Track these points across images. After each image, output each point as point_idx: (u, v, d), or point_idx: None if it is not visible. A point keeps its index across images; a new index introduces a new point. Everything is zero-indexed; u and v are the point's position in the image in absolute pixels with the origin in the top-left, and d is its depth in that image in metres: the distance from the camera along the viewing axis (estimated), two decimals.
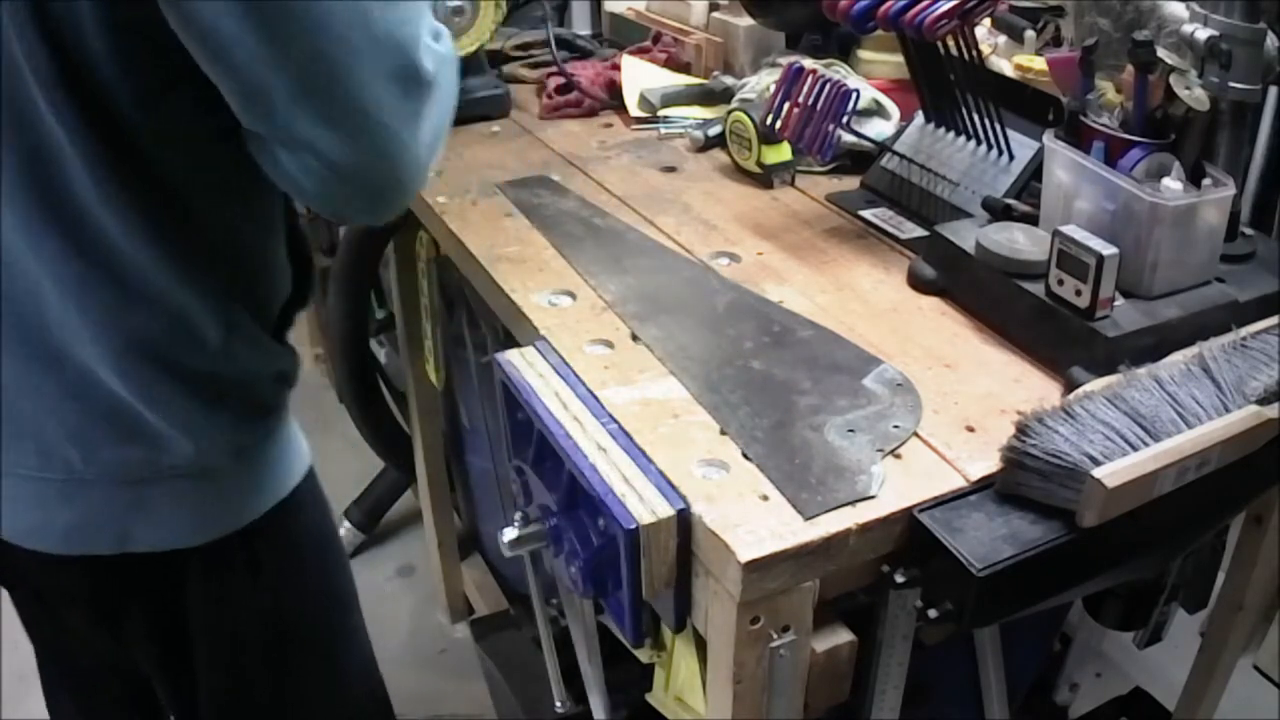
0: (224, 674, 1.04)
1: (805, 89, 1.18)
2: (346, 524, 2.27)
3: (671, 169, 1.38)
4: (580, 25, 2.00)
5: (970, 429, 0.87)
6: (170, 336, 0.83)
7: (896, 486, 0.80)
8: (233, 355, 0.87)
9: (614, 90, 1.57)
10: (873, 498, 0.78)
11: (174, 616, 0.99)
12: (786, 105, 1.20)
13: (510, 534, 0.93)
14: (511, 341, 1.07)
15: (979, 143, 1.20)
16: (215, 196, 0.82)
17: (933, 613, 0.77)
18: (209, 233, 0.83)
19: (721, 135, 1.38)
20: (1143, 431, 0.78)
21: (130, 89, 0.74)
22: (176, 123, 0.77)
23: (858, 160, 1.34)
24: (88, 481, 0.86)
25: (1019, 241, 0.99)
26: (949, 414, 0.89)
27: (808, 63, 1.22)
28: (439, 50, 0.76)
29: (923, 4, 1.06)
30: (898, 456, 0.83)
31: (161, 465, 0.87)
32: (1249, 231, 1.05)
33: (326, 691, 1.12)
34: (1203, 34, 0.93)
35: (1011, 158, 1.17)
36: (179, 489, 0.89)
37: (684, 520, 0.77)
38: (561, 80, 1.57)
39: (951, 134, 1.23)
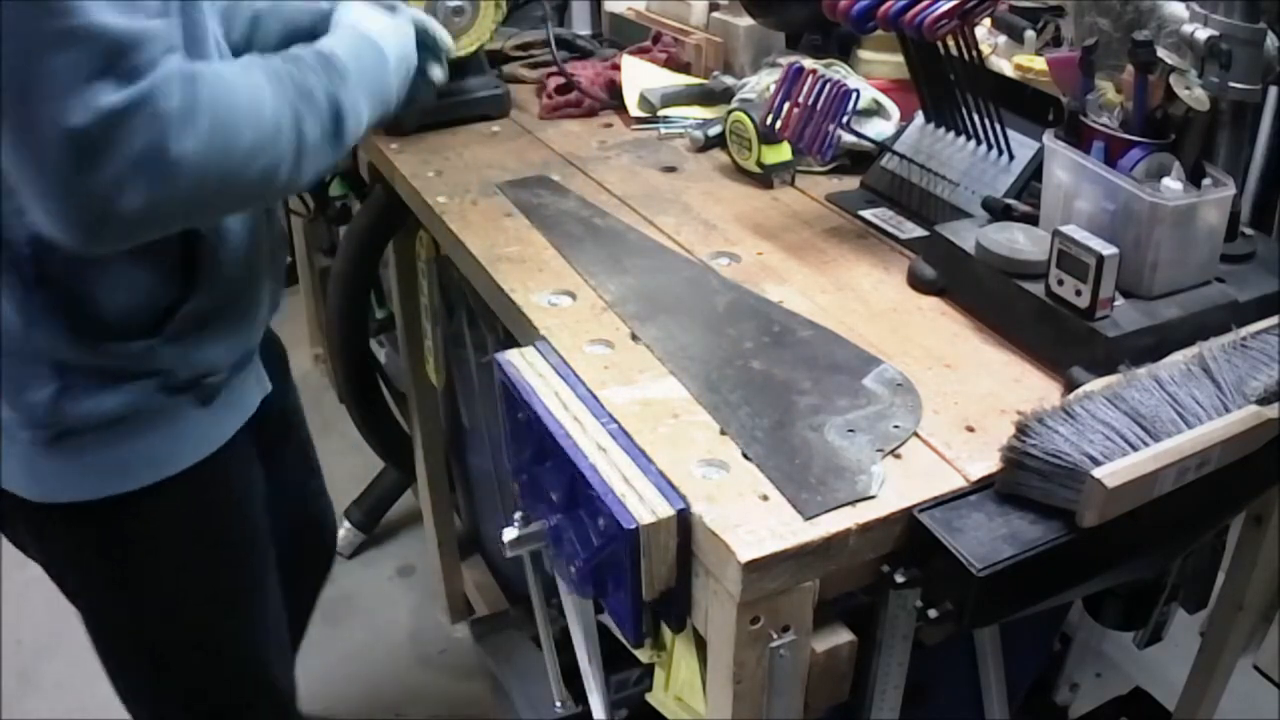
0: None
1: (805, 89, 1.18)
2: (346, 524, 2.27)
3: (671, 169, 1.38)
4: (580, 25, 2.00)
5: (970, 429, 0.87)
6: None
7: (896, 486, 0.80)
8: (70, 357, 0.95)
9: (614, 90, 1.57)
10: (873, 498, 0.78)
11: (54, 565, 1.11)
12: (786, 105, 1.20)
13: (510, 534, 0.93)
14: (511, 341, 1.07)
15: (979, 143, 1.20)
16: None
17: (933, 613, 0.77)
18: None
19: (721, 135, 1.38)
20: (1143, 431, 0.78)
21: None
22: None
23: (858, 160, 1.34)
24: None
25: (1019, 241, 0.99)
26: (949, 414, 0.89)
27: (808, 63, 1.22)
28: (106, 103, 0.74)
29: (923, 4, 1.06)
30: (898, 456, 0.83)
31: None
32: (1249, 231, 1.05)
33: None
34: (1203, 34, 0.93)
35: (1011, 158, 1.17)
36: (13, 450, 1.00)
37: (684, 520, 0.77)
38: (561, 80, 1.57)
39: (951, 134, 1.23)
